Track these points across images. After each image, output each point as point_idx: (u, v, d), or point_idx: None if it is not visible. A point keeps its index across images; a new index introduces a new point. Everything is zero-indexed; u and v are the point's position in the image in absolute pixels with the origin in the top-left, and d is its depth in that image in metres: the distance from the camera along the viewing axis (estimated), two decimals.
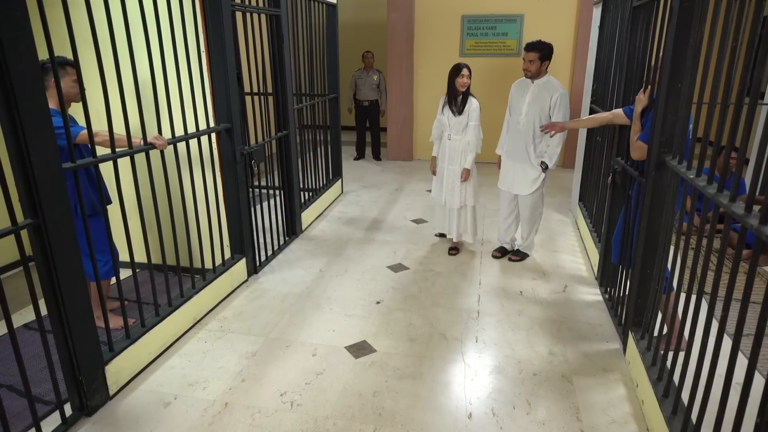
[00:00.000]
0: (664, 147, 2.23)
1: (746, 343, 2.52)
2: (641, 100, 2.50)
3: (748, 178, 4.37)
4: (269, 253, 3.88)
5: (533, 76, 3.47)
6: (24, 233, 1.86)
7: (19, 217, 1.81)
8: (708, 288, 2.82)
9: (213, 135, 3.07)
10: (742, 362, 1.51)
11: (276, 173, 4.21)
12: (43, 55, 1.84)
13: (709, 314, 1.69)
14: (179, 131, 2.80)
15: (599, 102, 3.94)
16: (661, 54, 2.33)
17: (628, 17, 3.05)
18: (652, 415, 2.06)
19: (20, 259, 1.82)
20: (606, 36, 3.86)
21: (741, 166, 1.53)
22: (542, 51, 3.38)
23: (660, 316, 2.37)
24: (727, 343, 1.58)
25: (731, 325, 2.52)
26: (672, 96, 2.15)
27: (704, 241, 3.65)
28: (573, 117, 6.48)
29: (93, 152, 2.17)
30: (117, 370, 2.32)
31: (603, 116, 3.01)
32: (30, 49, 1.73)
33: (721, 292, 2.79)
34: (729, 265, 3.46)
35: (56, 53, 1.95)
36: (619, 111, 2.84)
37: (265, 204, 4.90)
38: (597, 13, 4.21)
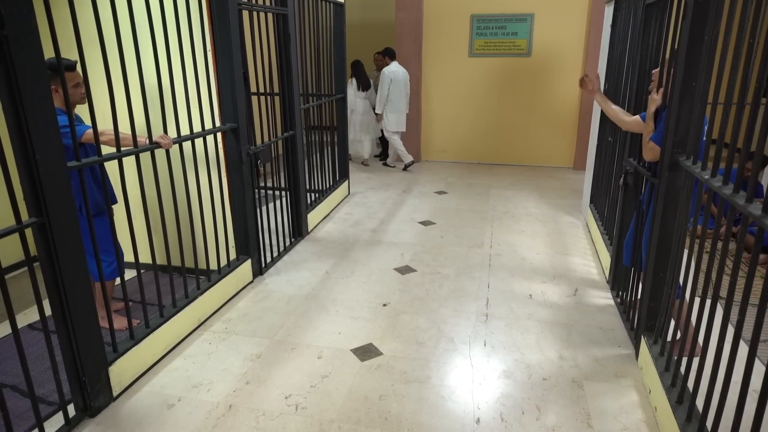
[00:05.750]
0: (677, 147, 2.18)
1: (763, 350, 2.46)
2: (655, 99, 2.45)
3: (764, 181, 4.29)
4: (275, 254, 3.86)
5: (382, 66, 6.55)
6: (29, 232, 1.85)
7: (24, 216, 1.80)
8: (723, 292, 2.76)
9: (219, 134, 3.06)
10: (759, 369, 1.46)
11: (282, 174, 4.19)
12: (48, 54, 1.82)
13: (725, 319, 1.64)
14: (185, 130, 2.79)
15: (611, 101, 3.87)
16: (675, 52, 2.28)
17: (640, 15, 3.00)
18: (665, 422, 2.01)
19: (25, 258, 1.81)
20: (618, 35, 3.80)
21: (758, 168, 1.48)
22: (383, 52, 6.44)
23: (673, 320, 2.32)
24: (743, 349, 1.53)
25: (747, 330, 2.46)
26: (686, 95, 2.10)
27: (719, 244, 3.58)
28: (583, 118, 6.43)
29: (98, 151, 2.16)
30: (121, 371, 2.31)
31: (624, 119, 2.80)
32: (36, 47, 1.72)
33: (737, 296, 2.73)
34: (745, 269, 3.39)
35: (62, 52, 1.94)
36: (639, 119, 2.67)
37: (271, 205, 4.88)
38: (609, 11, 4.15)
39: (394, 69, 6.31)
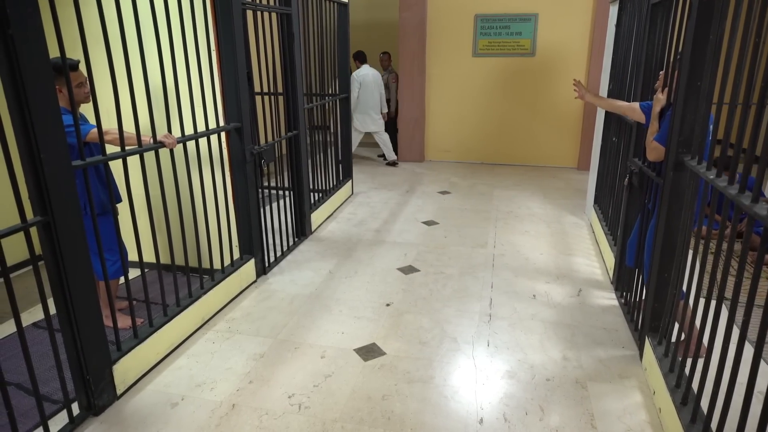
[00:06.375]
0: (682, 147, 2.17)
1: None
2: (660, 99, 2.44)
3: None
4: (278, 254, 3.87)
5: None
6: (34, 231, 1.86)
7: (29, 215, 1.81)
8: (728, 293, 2.75)
9: (223, 134, 3.06)
10: (764, 370, 1.45)
11: (286, 174, 4.20)
12: (54, 53, 1.83)
13: (730, 320, 1.63)
14: (189, 130, 2.79)
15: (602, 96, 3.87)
16: (680, 51, 2.27)
17: (645, 15, 2.99)
18: (669, 423, 2.00)
19: (30, 257, 1.82)
20: (623, 34, 3.79)
21: (764, 169, 1.47)
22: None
23: (677, 322, 2.31)
24: (748, 351, 1.52)
25: (753, 331, 2.45)
26: (691, 95, 2.09)
27: (725, 245, 3.56)
28: (587, 118, 6.41)
29: (103, 150, 2.17)
30: (124, 370, 2.32)
31: (620, 104, 2.93)
32: (41, 47, 1.73)
33: (742, 297, 2.72)
34: (751, 270, 3.38)
35: (67, 52, 1.95)
36: (636, 105, 2.75)
37: (274, 204, 4.89)
38: (614, 11, 4.14)
39: (363, 72, 6.51)
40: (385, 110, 6.80)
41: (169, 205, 2.60)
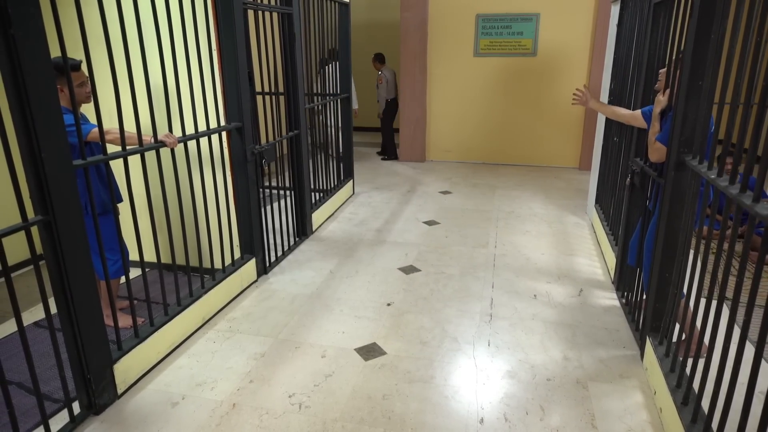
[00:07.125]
0: (684, 147, 2.16)
1: None
2: (660, 101, 2.43)
3: None
4: (279, 253, 3.87)
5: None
6: (35, 231, 1.86)
7: (30, 214, 1.81)
8: (729, 293, 2.74)
9: (224, 134, 3.06)
10: (765, 370, 1.45)
11: (287, 173, 4.20)
12: (55, 52, 1.83)
13: (731, 320, 1.63)
14: (190, 129, 2.79)
15: (617, 101, 3.87)
16: (681, 51, 2.26)
17: (647, 14, 2.98)
18: (670, 423, 2.00)
19: (31, 257, 1.82)
20: (624, 34, 3.78)
21: (766, 168, 1.46)
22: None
23: (678, 322, 2.30)
24: (749, 351, 1.52)
25: (754, 332, 2.44)
26: (692, 94, 2.09)
27: (726, 245, 3.55)
28: (588, 117, 6.40)
29: (104, 150, 2.17)
30: (125, 369, 2.32)
31: (622, 113, 2.94)
32: (42, 46, 1.73)
33: (743, 297, 2.71)
34: (752, 270, 3.37)
35: (68, 52, 1.95)
36: (638, 113, 2.76)
37: (275, 204, 4.89)
38: (615, 10, 4.14)
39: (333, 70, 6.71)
40: (356, 107, 6.62)
41: (170, 205, 2.60)
